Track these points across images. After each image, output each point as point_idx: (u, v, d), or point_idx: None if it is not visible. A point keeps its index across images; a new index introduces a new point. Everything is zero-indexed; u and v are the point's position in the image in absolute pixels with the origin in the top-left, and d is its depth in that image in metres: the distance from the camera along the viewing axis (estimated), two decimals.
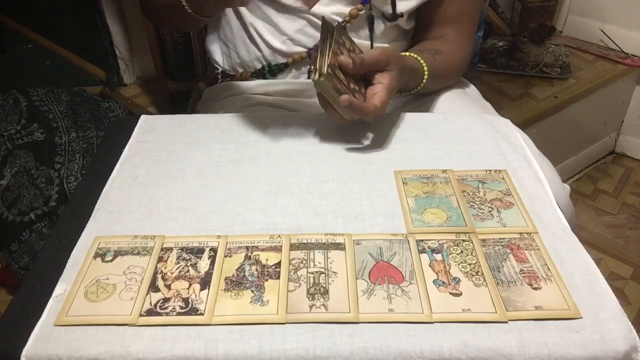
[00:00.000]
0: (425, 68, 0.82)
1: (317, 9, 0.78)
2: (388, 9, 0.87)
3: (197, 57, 1.47)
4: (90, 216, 0.63)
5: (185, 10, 0.76)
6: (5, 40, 1.94)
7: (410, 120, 0.79)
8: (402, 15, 0.88)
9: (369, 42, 0.89)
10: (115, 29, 1.58)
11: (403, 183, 0.67)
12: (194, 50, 1.46)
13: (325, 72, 0.66)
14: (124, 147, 0.74)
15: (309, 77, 0.91)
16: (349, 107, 0.68)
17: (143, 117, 0.80)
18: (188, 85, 1.48)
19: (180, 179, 0.68)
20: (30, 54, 1.90)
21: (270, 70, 0.91)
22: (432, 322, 0.50)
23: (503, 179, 0.68)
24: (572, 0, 1.83)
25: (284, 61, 0.90)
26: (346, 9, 0.86)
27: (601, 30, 1.79)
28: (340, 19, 0.86)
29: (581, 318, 0.50)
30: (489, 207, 0.63)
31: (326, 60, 0.68)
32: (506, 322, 0.50)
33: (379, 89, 0.72)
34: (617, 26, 1.77)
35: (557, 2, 1.74)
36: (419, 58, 0.82)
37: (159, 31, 1.40)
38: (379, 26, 0.89)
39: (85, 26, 1.63)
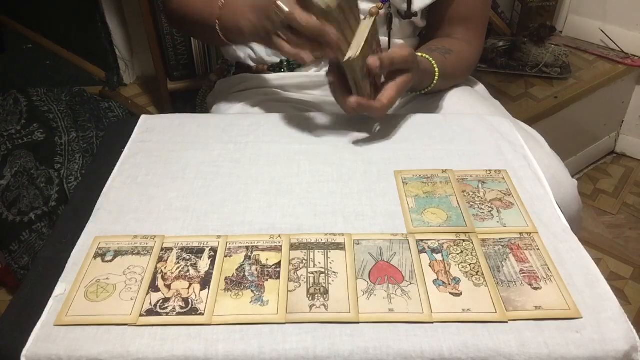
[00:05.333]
0: (437, 69, 0.82)
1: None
2: (404, 7, 0.88)
3: (197, 57, 1.47)
4: (90, 216, 0.63)
5: (219, 36, 0.77)
6: (5, 40, 1.94)
7: (410, 120, 0.79)
8: (416, 14, 0.89)
9: (387, 39, 0.90)
10: (115, 29, 1.59)
11: (403, 183, 0.67)
12: (194, 50, 1.46)
13: (357, 53, 0.67)
14: (124, 147, 0.74)
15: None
16: (357, 108, 0.69)
17: (143, 117, 0.80)
18: (188, 85, 1.48)
19: (180, 179, 0.68)
20: (30, 54, 1.89)
21: (289, 65, 0.91)
22: (432, 322, 0.50)
23: (503, 179, 0.68)
24: (572, 0, 1.83)
25: None
26: (366, 6, 0.87)
27: (601, 30, 1.79)
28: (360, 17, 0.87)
29: (581, 318, 0.50)
30: (489, 207, 0.63)
31: (360, 43, 0.68)
32: (506, 322, 0.50)
33: (389, 87, 0.72)
34: (617, 26, 1.77)
35: (557, 2, 1.74)
36: (430, 59, 0.82)
37: (159, 31, 1.40)
38: (396, 23, 0.90)
39: (85, 26, 1.63)
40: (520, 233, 0.60)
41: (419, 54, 0.82)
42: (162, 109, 1.54)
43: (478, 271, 0.55)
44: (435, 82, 0.83)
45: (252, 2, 0.72)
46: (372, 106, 0.71)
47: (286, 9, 0.65)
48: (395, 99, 0.72)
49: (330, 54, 0.67)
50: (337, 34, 0.66)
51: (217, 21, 0.77)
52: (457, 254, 0.57)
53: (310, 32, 0.65)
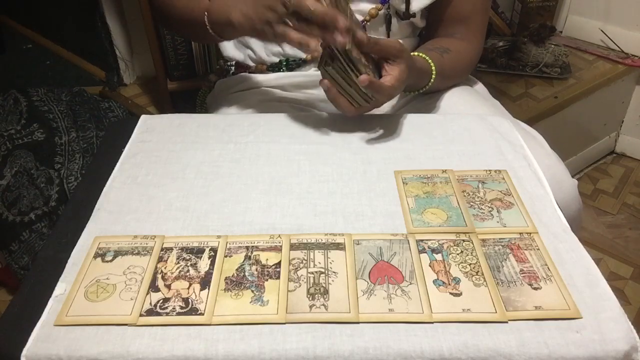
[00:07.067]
0: (433, 68, 0.82)
1: None
2: (402, 8, 0.88)
3: (197, 57, 1.47)
4: (90, 216, 0.63)
5: (207, 30, 0.76)
6: (5, 40, 1.94)
7: (410, 120, 0.79)
8: (414, 15, 0.89)
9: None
10: (115, 29, 1.58)
11: (403, 183, 0.67)
12: (194, 50, 1.46)
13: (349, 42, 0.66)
14: (124, 147, 0.74)
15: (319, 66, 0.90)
16: (368, 86, 0.69)
17: (143, 117, 0.80)
18: (188, 85, 1.48)
19: (180, 179, 0.68)
20: (30, 54, 1.90)
21: (288, 65, 0.91)
22: (432, 322, 0.50)
23: (503, 179, 0.68)
24: (572, 0, 1.83)
25: (303, 57, 0.90)
26: (365, 7, 0.87)
27: (601, 30, 1.79)
28: (360, 17, 0.87)
29: (581, 318, 0.50)
30: (489, 207, 0.63)
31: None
32: (506, 322, 0.50)
33: (389, 75, 0.72)
34: (617, 26, 1.77)
35: (557, 2, 1.74)
36: (427, 58, 0.82)
37: (159, 31, 1.40)
38: (394, 23, 0.90)
39: (85, 26, 1.63)
40: (520, 233, 0.60)
41: (416, 54, 0.82)
42: (162, 109, 1.54)
43: (478, 271, 0.55)
44: (432, 80, 0.83)
45: None
46: (382, 85, 0.70)
47: None
48: (397, 86, 0.72)
49: (339, 38, 0.65)
50: (345, 19, 0.65)
51: (206, 13, 0.76)
52: (457, 254, 0.57)
53: (320, 16, 0.64)
